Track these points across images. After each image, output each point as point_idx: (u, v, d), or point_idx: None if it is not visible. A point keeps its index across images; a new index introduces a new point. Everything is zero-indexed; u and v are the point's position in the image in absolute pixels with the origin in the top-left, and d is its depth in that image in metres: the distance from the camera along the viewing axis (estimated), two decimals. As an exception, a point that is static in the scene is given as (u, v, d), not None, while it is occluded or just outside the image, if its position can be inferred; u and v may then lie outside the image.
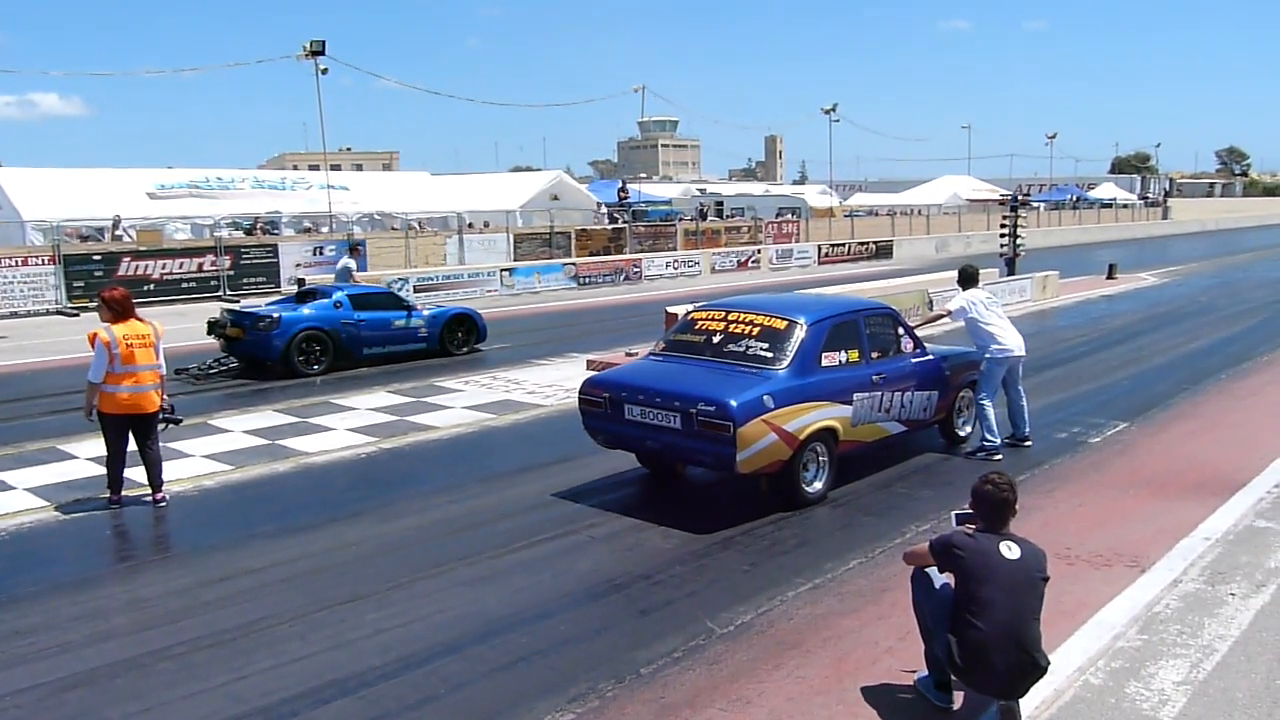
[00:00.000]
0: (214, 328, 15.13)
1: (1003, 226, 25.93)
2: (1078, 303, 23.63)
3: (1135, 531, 7.44)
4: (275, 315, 14.53)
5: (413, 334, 15.79)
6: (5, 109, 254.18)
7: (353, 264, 17.39)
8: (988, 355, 9.65)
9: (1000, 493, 4.66)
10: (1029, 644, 4.49)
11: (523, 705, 4.99)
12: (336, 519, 8.01)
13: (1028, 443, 9.89)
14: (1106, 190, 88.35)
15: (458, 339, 16.42)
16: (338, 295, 15.29)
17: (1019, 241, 25.45)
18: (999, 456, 9.41)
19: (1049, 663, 4.62)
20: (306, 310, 14.88)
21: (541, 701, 5.01)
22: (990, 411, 9.54)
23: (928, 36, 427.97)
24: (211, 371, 14.55)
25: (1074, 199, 76.81)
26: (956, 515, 4.95)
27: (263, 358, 14.48)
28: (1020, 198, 28.98)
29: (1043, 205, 66.57)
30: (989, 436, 9.53)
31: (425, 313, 16.21)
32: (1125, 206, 77.44)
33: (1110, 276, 28.33)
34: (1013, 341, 9.68)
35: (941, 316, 10.49)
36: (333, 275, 16.55)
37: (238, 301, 20.35)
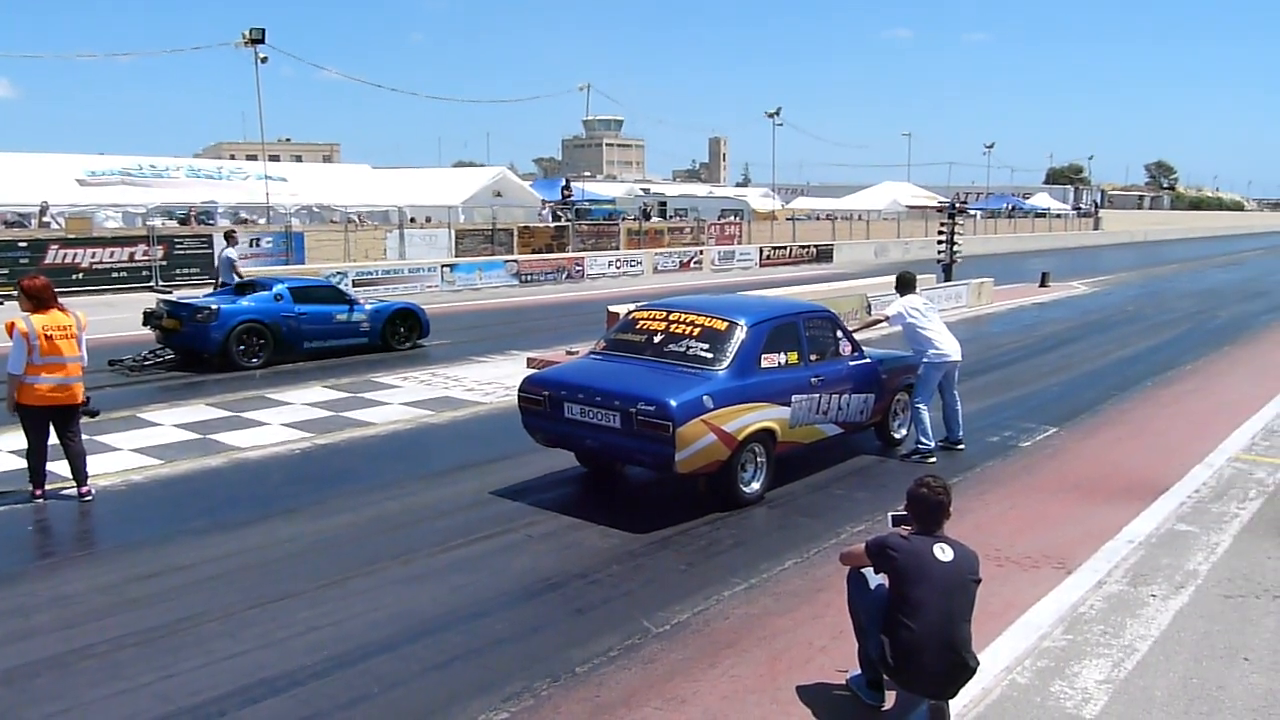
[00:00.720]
0: (150, 319, 14.82)
1: (940, 233, 26.36)
2: (1011, 309, 24.12)
3: (1063, 534, 7.62)
4: (214, 307, 14.29)
5: (354, 328, 15.62)
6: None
7: (234, 253, 16.81)
8: (925, 360, 9.80)
9: (935, 495, 4.73)
10: (959, 645, 4.58)
11: (457, 705, 4.95)
12: (269, 515, 7.87)
13: (961, 446, 10.07)
14: (1041, 200, 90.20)
15: (400, 334, 16.31)
16: (278, 288, 15.08)
17: (956, 248, 25.91)
18: (933, 459, 9.58)
19: (978, 663, 4.72)
20: (246, 302, 14.67)
21: (476, 700, 4.98)
22: (926, 415, 9.70)
23: (871, 44, 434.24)
24: (147, 363, 14.26)
25: (1010, 208, 78.28)
26: (893, 516, 5.03)
27: (200, 350, 14.23)
28: (958, 205, 29.42)
29: (979, 213, 67.86)
30: (923, 440, 9.69)
31: (367, 307, 16.05)
32: (1059, 216, 79.25)
33: (1043, 284, 28.96)
34: (949, 347, 9.86)
35: (880, 321, 10.59)
36: (219, 267, 16.06)
37: (170, 292, 19.91)
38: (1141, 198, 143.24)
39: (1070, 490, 8.88)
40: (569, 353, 13.50)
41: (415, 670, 5.33)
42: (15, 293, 8.16)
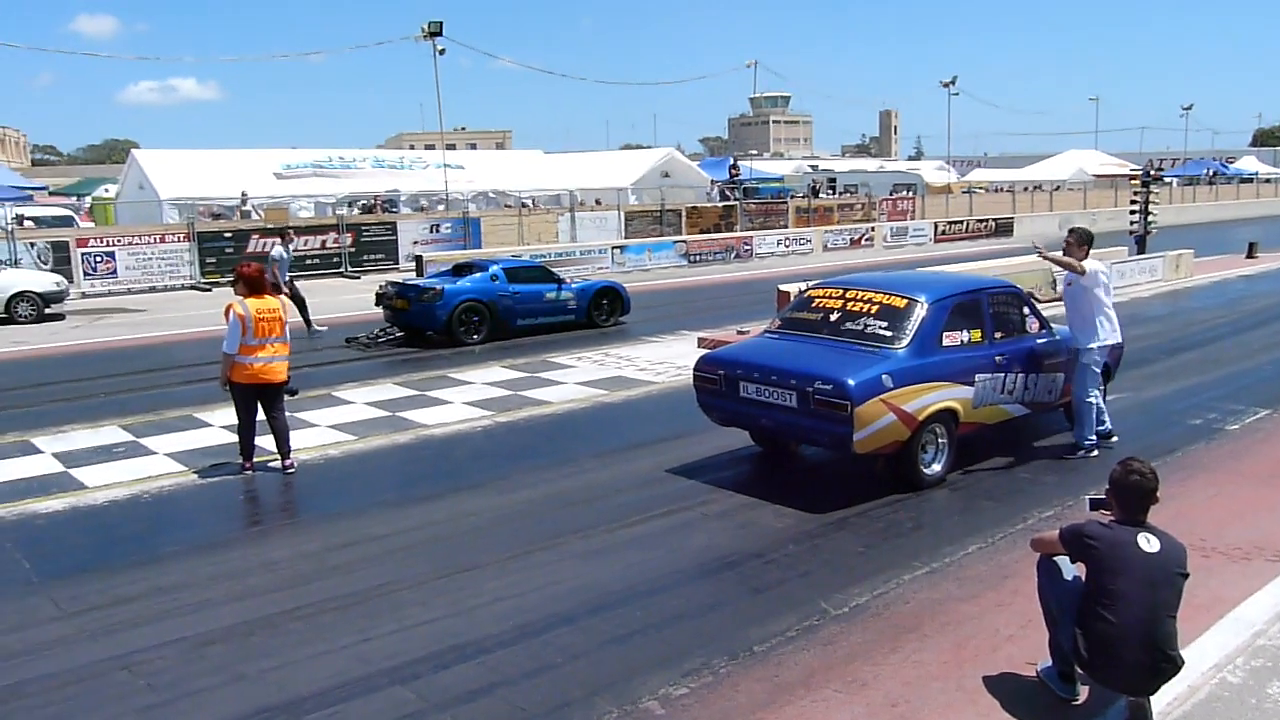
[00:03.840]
0: (381, 299, 15.99)
1: (1133, 203, 24.83)
2: (1214, 283, 22.48)
3: (1277, 525, 7.06)
4: (439, 287, 15.29)
5: (563, 306, 16.36)
6: (149, 94, 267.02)
7: (279, 253, 17.33)
8: (1088, 345, 8.66)
9: (1145, 482, 4.41)
10: (1163, 641, 4.30)
11: (637, 678, 5.03)
12: (455, 490, 8.21)
13: (1115, 439, 9.10)
14: (1247, 164, 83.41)
15: (603, 310, 16.89)
16: (494, 269, 16.00)
17: (1150, 218, 24.34)
18: (1095, 455, 8.75)
19: (1184, 661, 4.43)
20: (465, 283, 15.59)
21: (655, 675, 5.05)
22: (1093, 408, 8.75)
23: (1052, 4, 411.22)
24: (379, 340, 15.40)
25: (1211, 173, 72.84)
26: (1090, 500, 4.75)
27: (426, 327, 15.25)
28: (1152, 172, 27.57)
29: (1176, 180, 63.38)
30: (1089, 436, 8.81)
31: (574, 285, 16.77)
32: (1268, 181, 73.04)
33: (1250, 255, 26.88)
34: (1118, 332, 8.89)
35: (1075, 267, 8.66)
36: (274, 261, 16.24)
37: (358, 277, 21.03)
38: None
39: (1285, 477, 8.21)
40: (740, 332, 13.47)
41: (596, 642, 5.44)
42: (232, 279, 8.81)
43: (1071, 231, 9.01)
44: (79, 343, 16.54)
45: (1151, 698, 4.46)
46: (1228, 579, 6.10)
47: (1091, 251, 8.87)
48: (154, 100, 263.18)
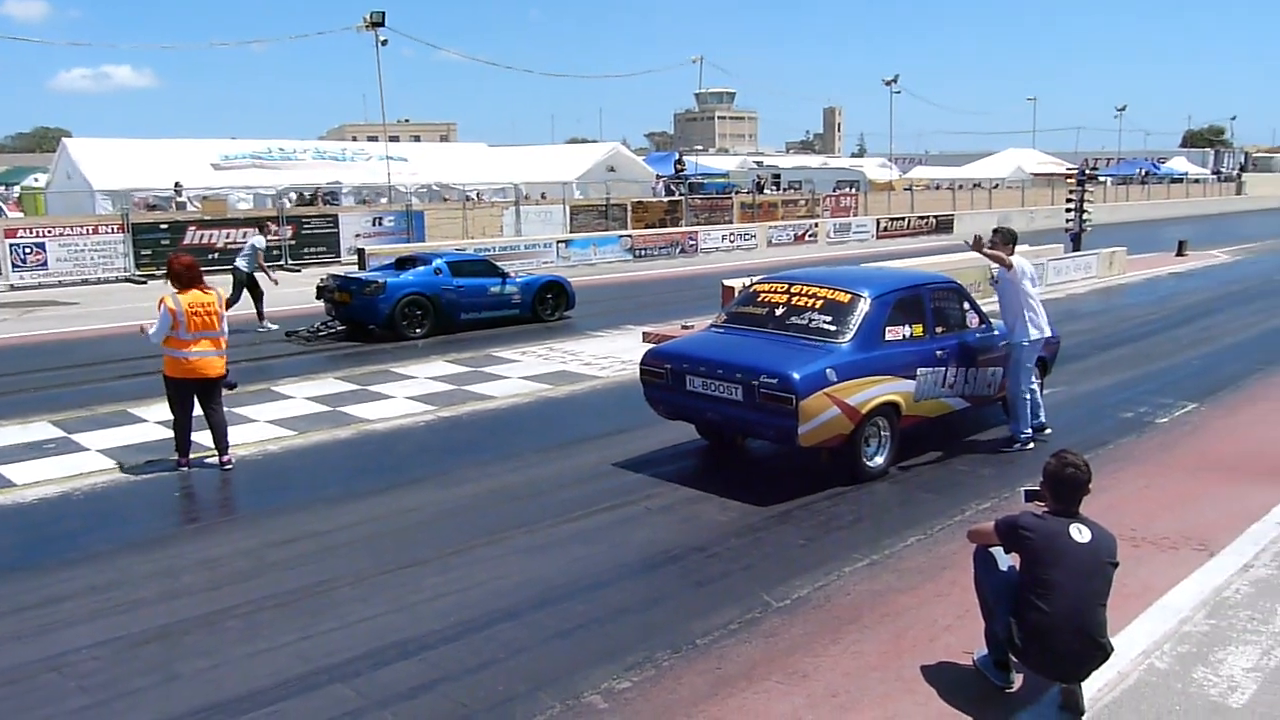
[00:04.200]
0: (322, 293, 15.80)
1: (1068, 201, 25.37)
2: (1146, 280, 23.07)
3: (1204, 515, 7.28)
4: (381, 280, 15.08)
5: (507, 300, 16.26)
6: (81, 81, 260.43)
7: (260, 242, 17.27)
8: (1026, 342, 8.86)
9: (1079, 474, 4.53)
10: (1094, 629, 4.42)
11: (580, 672, 5.03)
12: (397, 485, 8.13)
13: (1049, 431, 9.32)
14: (1178, 164, 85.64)
15: (548, 305, 16.82)
16: (437, 262, 15.85)
17: (1085, 216, 24.88)
18: (1031, 447, 8.94)
19: (1113, 648, 4.55)
20: (409, 276, 15.40)
21: (599, 668, 5.06)
22: (1027, 402, 8.94)
23: (992, 5, 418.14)
24: (320, 334, 15.18)
25: (1143, 173, 74.66)
26: (1026, 492, 4.86)
27: (368, 321, 15.09)
28: (1087, 171, 28.17)
29: (1110, 180, 64.93)
30: (1024, 430, 8.99)
31: (518, 280, 16.68)
32: (1197, 181, 75.12)
33: (1180, 253, 27.62)
34: (1046, 324, 9.06)
35: (1005, 262, 8.90)
36: (241, 252, 16.38)
37: (299, 270, 20.71)
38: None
39: (1212, 469, 8.47)
40: (684, 327, 13.51)
41: (540, 637, 5.44)
42: (164, 272, 8.61)
43: (996, 231, 9.37)
44: (7, 336, 16.05)
45: (1083, 684, 4.57)
46: (1156, 568, 6.27)
47: (1028, 249, 9.10)
48: (87, 88, 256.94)
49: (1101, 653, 4.46)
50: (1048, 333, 9.11)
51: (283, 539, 6.91)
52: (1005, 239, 9.17)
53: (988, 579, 4.82)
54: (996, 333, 9.20)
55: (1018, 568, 4.65)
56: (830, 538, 6.92)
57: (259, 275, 15.98)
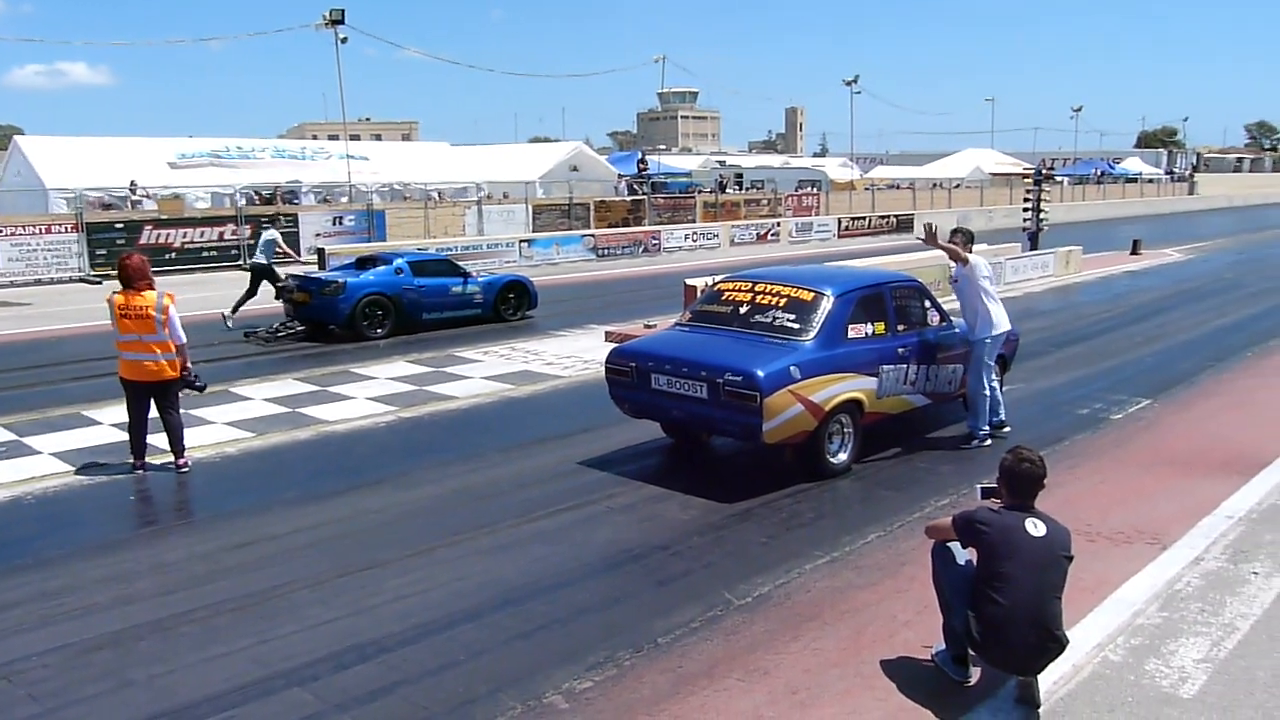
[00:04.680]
0: (281, 292, 15.64)
1: (1026, 200, 25.64)
2: (1101, 278, 23.41)
3: (1157, 509, 7.40)
4: (341, 280, 14.96)
5: (469, 300, 16.17)
6: (34, 78, 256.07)
7: (274, 234, 17.41)
8: (981, 338, 8.97)
9: (1034, 470, 4.60)
10: (1049, 621, 4.47)
11: (541, 673, 5.02)
12: (357, 486, 8.06)
13: (1007, 429, 9.37)
14: (1132, 165, 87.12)
15: (510, 305, 16.72)
16: (398, 261, 15.71)
17: (1042, 216, 25.17)
18: (989, 444, 8.99)
19: (1068, 640, 4.61)
20: (369, 276, 15.27)
21: (560, 669, 5.04)
22: (985, 398, 9.04)
23: (951, 8, 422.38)
24: (279, 335, 14.99)
25: (1099, 173, 75.80)
26: (982, 489, 4.92)
27: (329, 321, 14.96)
28: (1044, 171, 28.53)
29: (1067, 179, 65.84)
30: (981, 427, 9.08)
31: (480, 279, 16.58)
32: (1151, 181, 76.43)
33: (1134, 252, 28.03)
34: (1007, 321, 9.17)
35: (959, 257, 9.07)
36: (257, 247, 16.90)
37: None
38: (1240, 160, 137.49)
39: (1165, 464, 8.61)
40: (647, 326, 13.53)
41: (500, 638, 5.41)
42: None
43: (955, 232, 9.41)
44: (-44, 338, 15.73)
45: (1039, 676, 4.63)
46: (1111, 562, 6.37)
47: (987, 249, 9.23)
48: (40, 85, 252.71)
49: (1057, 645, 4.52)
50: (1006, 327, 9.20)
51: (240, 542, 6.82)
52: (965, 239, 9.26)
53: (945, 574, 4.87)
54: (957, 330, 9.29)
55: (974, 562, 4.70)
56: (791, 535, 6.95)
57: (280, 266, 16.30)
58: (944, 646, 4.97)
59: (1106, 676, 4.92)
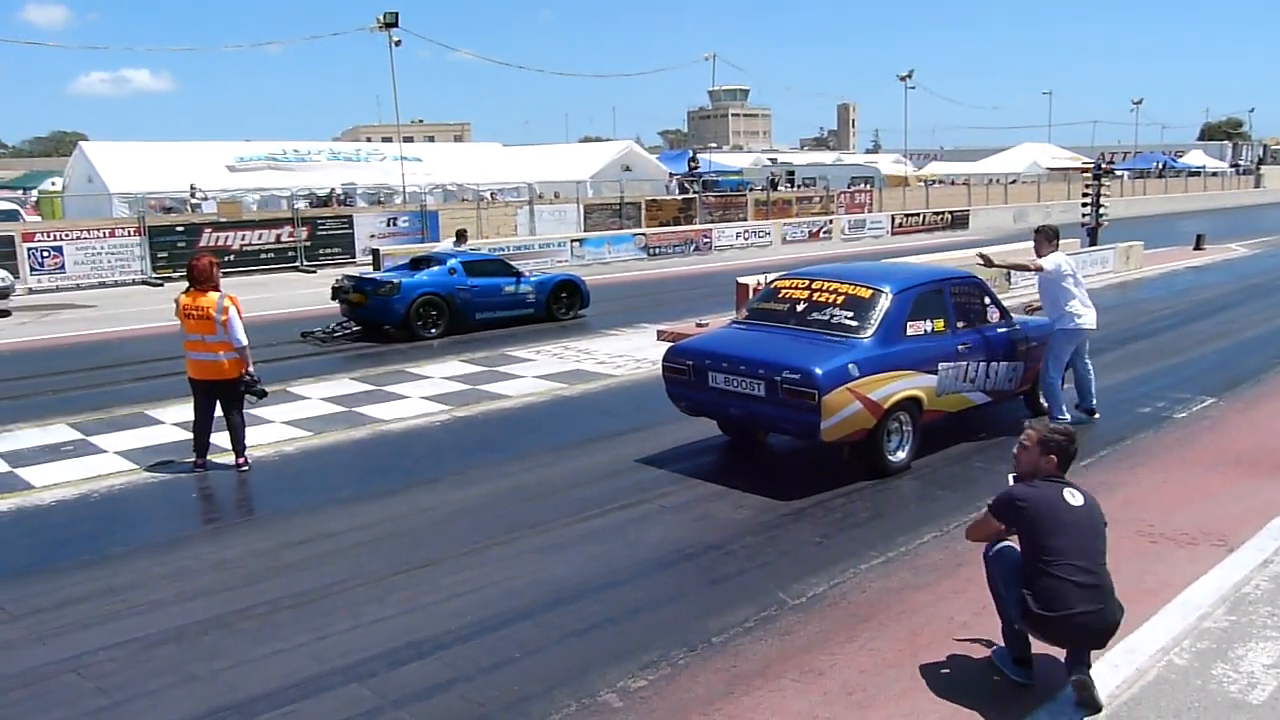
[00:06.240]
0: (337, 293, 15.86)
1: (1085, 195, 25.17)
2: (1163, 274, 22.90)
3: (1223, 510, 7.21)
4: (396, 281, 15.13)
5: (521, 299, 16.29)
6: (100, 85, 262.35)
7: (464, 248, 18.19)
8: (1060, 328, 9.25)
9: (1068, 444, 4.65)
10: (1107, 589, 4.44)
11: (595, 671, 5.03)
12: (411, 485, 8.14)
13: (1096, 415, 9.60)
14: (1195, 158, 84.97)
15: (563, 304, 16.82)
16: (452, 262, 15.85)
17: (1102, 211, 24.68)
18: None
19: (1124, 609, 4.54)
20: (423, 276, 15.45)
21: (614, 668, 5.05)
22: (1059, 388, 9.23)
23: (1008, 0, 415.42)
24: (335, 335, 15.25)
25: (1160, 167, 74.18)
26: (1013, 477, 4.87)
27: (383, 321, 15.13)
28: (1103, 165, 27.97)
29: (1127, 173, 64.44)
30: (1057, 415, 9.18)
31: (533, 279, 16.73)
32: (1215, 175, 74.56)
33: (1198, 247, 27.39)
34: (1089, 316, 9.35)
35: (1029, 269, 9.57)
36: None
37: (314, 271, 20.81)
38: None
39: (1231, 464, 8.39)
40: (699, 325, 13.50)
41: (554, 636, 5.43)
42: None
43: (1037, 231, 9.67)
44: (26, 339, 16.19)
45: (1100, 683, 4.53)
46: (1175, 564, 6.22)
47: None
48: (105, 92, 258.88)
49: (1118, 612, 4.47)
50: (1084, 324, 9.27)
51: (298, 540, 6.93)
52: (1047, 236, 9.46)
53: (999, 570, 4.79)
54: (1018, 327, 9.19)
55: (1019, 547, 4.64)
56: (846, 535, 6.90)
57: None
58: (1004, 646, 4.89)
59: (1171, 681, 4.80)
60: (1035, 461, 4.70)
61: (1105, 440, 9.02)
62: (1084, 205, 25.25)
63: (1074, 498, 4.54)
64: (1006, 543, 4.78)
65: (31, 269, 21.69)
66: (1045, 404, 9.56)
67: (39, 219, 29.93)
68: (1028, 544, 4.55)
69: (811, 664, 5.07)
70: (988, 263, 9.72)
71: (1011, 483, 4.84)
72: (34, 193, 40.88)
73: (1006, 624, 4.80)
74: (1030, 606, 4.50)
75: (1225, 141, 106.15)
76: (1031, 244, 9.74)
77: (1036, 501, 4.52)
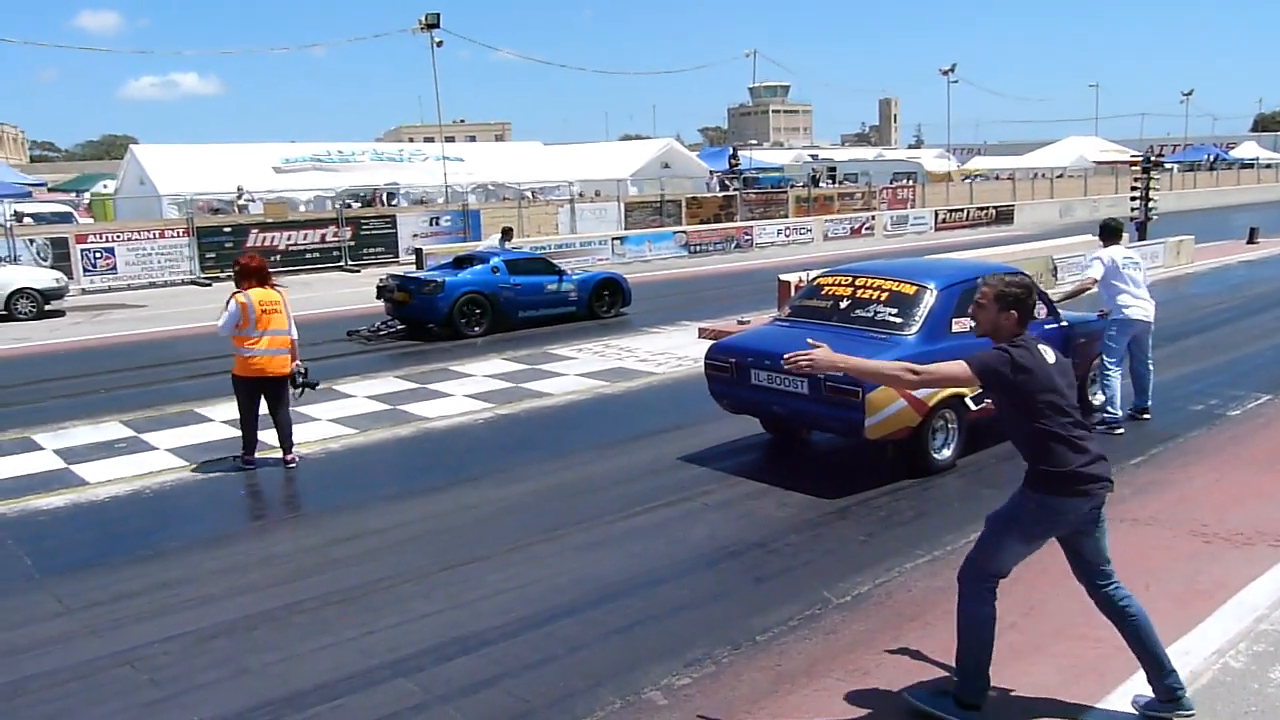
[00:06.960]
0: (382, 292, 16.03)
1: (1133, 189, 24.79)
2: (1215, 269, 22.45)
3: (1278, 510, 7.05)
4: (440, 280, 15.28)
5: (564, 297, 16.40)
6: (150, 89, 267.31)
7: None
8: (1113, 318, 9.17)
9: (1025, 295, 4.37)
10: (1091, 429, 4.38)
11: (639, 668, 5.03)
12: (456, 482, 8.21)
13: (1147, 415, 9.42)
14: (1247, 150, 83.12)
15: (605, 302, 16.89)
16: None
17: (1151, 205, 24.28)
18: (1120, 430, 8.96)
19: None
20: (466, 275, 15.60)
21: (658, 665, 5.05)
22: (1116, 381, 9.12)
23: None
24: (380, 333, 15.40)
25: (1211, 159, 72.71)
26: (974, 399, 4.74)
27: (428, 320, 15.31)
28: (1152, 159, 27.50)
29: (1176, 166, 63.30)
30: (1110, 409, 9.09)
31: (575, 277, 16.82)
32: (1269, 167, 72.86)
33: (1251, 241, 26.84)
34: (1141, 309, 9.14)
35: (1088, 288, 9.33)
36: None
37: (358, 271, 21.03)
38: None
39: (1287, 462, 8.20)
40: (741, 322, 13.46)
41: (598, 634, 5.45)
42: (235, 270, 8.75)
43: (1102, 227, 9.64)
44: (79, 339, 16.54)
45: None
46: (1229, 564, 6.09)
47: (1089, 239, 9.30)
48: (156, 95, 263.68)
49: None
50: (1137, 316, 9.11)
51: (345, 536, 7.01)
52: (1109, 232, 9.44)
53: (977, 618, 4.52)
54: (1065, 324, 9.07)
55: (997, 410, 4.54)
56: (891, 533, 6.84)
57: None
58: (943, 694, 4.59)
59: (1227, 684, 4.70)
60: (994, 320, 4.42)
61: (1157, 438, 8.86)
62: (1133, 199, 24.85)
63: (1048, 354, 4.37)
64: (990, 596, 4.58)
65: (84, 270, 22.18)
66: (1095, 400, 9.42)
67: (91, 221, 30.56)
68: (1026, 403, 4.30)
69: (856, 663, 5.04)
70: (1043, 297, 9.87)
71: (974, 406, 4.67)
72: (87, 195, 41.72)
73: (964, 671, 4.54)
74: (1075, 467, 4.28)
75: (1279, 133, 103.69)
76: (1075, 239, 9.69)
77: (1034, 366, 4.27)
